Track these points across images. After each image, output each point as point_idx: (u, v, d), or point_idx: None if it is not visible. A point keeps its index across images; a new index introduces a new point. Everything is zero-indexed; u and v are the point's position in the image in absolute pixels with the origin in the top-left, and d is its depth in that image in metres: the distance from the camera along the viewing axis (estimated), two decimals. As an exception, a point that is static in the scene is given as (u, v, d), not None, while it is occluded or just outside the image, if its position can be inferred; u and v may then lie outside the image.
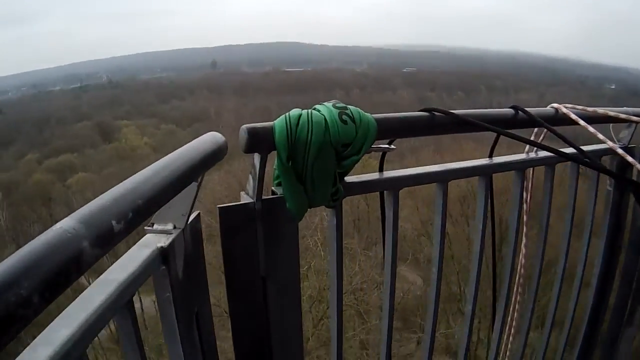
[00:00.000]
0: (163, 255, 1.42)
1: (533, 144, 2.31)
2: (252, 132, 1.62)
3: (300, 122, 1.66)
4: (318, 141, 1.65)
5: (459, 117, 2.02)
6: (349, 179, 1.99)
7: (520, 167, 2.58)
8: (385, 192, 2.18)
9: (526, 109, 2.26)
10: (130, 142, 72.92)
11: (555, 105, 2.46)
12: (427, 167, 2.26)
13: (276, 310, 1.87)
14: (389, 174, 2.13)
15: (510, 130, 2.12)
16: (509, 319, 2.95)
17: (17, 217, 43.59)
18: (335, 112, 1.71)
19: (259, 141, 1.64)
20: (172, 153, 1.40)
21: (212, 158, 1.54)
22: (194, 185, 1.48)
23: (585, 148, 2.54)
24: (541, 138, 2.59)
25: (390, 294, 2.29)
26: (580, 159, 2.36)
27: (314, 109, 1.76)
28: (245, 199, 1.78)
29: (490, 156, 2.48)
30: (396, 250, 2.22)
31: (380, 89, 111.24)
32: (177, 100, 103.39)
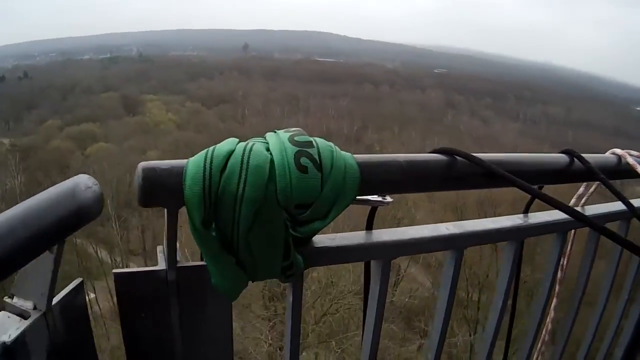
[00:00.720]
0: (7, 354, 0.98)
1: (574, 215, 1.60)
2: (149, 178, 1.03)
3: (230, 165, 1.06)
4: (254, 199, 1.06)
5: (488, 167, 1.36)
6: (319, 239, 1.37)
7: (562, 229, 1.95)
8: (372, 262, 1.55)
9: (583, 155, 1.64)
10: (154, 116, 74.67)
11: (617, 151, 1.84)
12: (436, 226, 1.61)
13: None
14: (380, 235, 1.49)
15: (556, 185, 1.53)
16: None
17: (32, 182, 43.81)
18: (292, 150, 1.10)
19: (161, 191, 1.05)
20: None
21: (70, 224, 1.01)
22: (47, 256, 1.02)
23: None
24: (591, 190, 2.00)
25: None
26: (625, 242, 1.69)
27: (264, 140, 1.17)
28: (160, 261, 1.22)
29: (526, 212, 1.86)
30: (379, 334, 1.61)
31: (409, 87, 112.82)
32: (206, 80, 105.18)
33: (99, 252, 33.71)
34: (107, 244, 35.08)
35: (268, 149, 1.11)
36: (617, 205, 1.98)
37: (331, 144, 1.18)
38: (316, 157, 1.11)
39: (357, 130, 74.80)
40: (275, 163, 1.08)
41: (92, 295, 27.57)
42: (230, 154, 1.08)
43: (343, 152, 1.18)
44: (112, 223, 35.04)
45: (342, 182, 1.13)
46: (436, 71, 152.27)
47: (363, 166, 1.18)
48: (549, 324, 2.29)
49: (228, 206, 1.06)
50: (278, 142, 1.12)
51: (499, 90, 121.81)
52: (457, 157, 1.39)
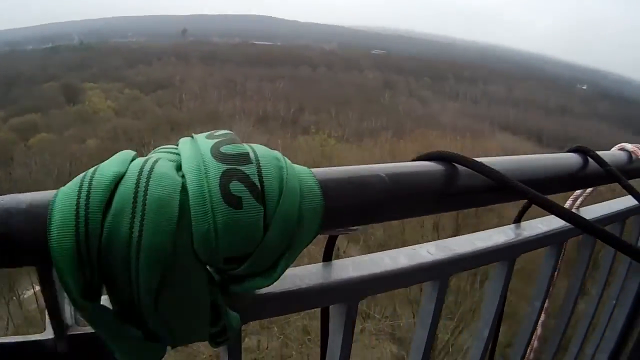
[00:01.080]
0: None
1: (578, 223, 1.17)
2: None
3: (118, 197, 0.62)
4: (158, 249, 0.61)
5: (499, 177, 0.97)
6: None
7: (559, 239, 1.61)
8: (332, 306, 1.13)
9: (598, 152, 1.31)
10: (94, 104, 74.49)
11: (627, 147, 1.51)
12: (414, 249, 1.21)
13: None
14: (343, 268, 1.08)
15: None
16: None
17: (-24, 176, 43.36)
18: (216, 170, 0.66)
19: (20, 246, 0.62)
20: None
21: None
22: None
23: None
24: (589, 190, 1.67)
25: None
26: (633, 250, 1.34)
27: (174, 150, 0.74)
28: (48, 326, 0.81)
29: (518, 221, 1.51)
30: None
31: (347, 68, 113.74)
32: (144, 66, 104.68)
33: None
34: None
35: (180, 168, 0.69)
36: (610, 207, 1.79)
37: (278, 154, 0.74)
38: (255, 179, 0.67)
39: (294, 113, 75.03)
40: (190, 192, 0.64)
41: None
42: (118, 179, 0.64)
43: (296, 167, 0.75)
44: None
45: (298, 215, 0.71)
46: (374, 52, 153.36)
47: (327, 187, 0.76)
48: (535, 342, 1.99)
49: (119, 261, 0.62)
50: (195, 156, 0.69)
51: (439, 70, 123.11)
52: (456, 165, 1.01)
